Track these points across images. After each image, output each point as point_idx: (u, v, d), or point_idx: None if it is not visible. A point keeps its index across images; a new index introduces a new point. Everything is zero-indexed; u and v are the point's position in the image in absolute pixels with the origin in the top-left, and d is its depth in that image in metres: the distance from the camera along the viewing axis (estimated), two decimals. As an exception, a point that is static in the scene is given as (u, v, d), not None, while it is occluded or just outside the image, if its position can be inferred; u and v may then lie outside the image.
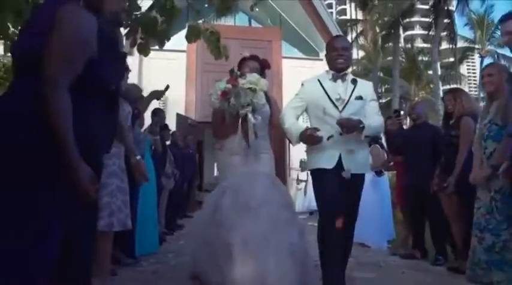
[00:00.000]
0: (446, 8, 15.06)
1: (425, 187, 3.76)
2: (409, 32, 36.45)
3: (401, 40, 43.20)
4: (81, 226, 1.56)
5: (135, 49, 3.99)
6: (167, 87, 3.29)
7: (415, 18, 31.16)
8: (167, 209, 5.54)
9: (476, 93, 26.59)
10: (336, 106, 2.50)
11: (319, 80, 2.62)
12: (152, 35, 3.87)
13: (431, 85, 21.30)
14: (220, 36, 4.11)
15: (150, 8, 3.83)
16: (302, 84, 2.69)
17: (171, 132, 6.24)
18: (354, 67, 26.54)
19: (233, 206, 2.36)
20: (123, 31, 3.76)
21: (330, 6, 57.28)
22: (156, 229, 4.21)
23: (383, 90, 23.97)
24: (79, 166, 1.22)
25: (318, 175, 2.54)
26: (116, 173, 2.57)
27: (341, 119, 2.42)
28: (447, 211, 3.60)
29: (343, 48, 2.60)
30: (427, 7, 17.85)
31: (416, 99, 19.93)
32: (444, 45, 22.59)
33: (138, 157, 2.53)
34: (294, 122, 2.54)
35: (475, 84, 40.43)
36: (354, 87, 2.56)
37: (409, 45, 25.97)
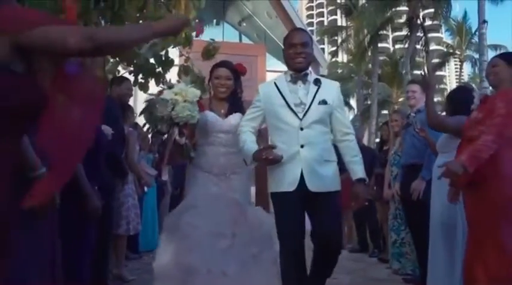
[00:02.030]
0: (419, 23, 16.16)
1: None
2: (394, 35, 37.61)
3: (390, 41, 44.29)
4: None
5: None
6: None
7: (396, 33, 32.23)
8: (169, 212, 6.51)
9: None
10: (296, 113, 2.11)
11: (275, 83, 2.23)
12: (150, 76, 4.87)
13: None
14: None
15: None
16: (258, 90, 2.30)
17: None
18: (340, 70, 27.84)
19: (198, 227, 2.27)
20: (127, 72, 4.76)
21: (321, 14, 58.60)
22: (156, 229, 5.22)
23: (369, 91, 25.16)
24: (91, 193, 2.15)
25: (277, 200, 2.16)
26: (130, 194, 3.61)
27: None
28: (380, 215, 4.72)
29: (302, 44, 2.17)
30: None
31: (396, 106, 21.08)
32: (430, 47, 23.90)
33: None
34: (247, 139, 2.17)
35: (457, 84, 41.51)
36: (317, 89, 2.17)
37: (392, 48, 27.21)
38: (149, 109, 2.39)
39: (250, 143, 2.16)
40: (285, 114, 2.14)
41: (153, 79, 4.63)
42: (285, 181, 2.10)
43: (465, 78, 29.70)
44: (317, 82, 2.20)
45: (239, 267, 2.24)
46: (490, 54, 24.15)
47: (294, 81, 2.20)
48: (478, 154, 2.08)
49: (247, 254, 2.31)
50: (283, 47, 2.25)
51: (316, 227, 2.15)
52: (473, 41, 23.94)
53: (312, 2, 63.55)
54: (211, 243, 2.26)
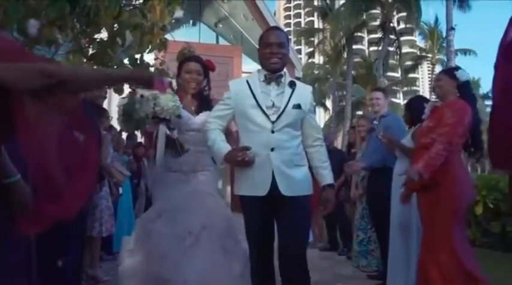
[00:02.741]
0: (393, 27, 16.65)
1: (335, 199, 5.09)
2: (370, 37, 38.43)
3: (366, 43, 45.13)
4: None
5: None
6: None
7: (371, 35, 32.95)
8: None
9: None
10: (267, 116, 2.02)
11: (247, 81, 2.11)
12: (126, 80, 4.92)
13: (385, 92, 23.11)
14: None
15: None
16: (229, 85, 2.19)
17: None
18: (316, 72, 28.28)
19: (168, 235, 2.20)
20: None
21: (299, 15, 59.20)
22: (131, 230, 5.27)
23: (344, 93, 25.69)
24: None
25: (247, 206, 2.09)
26: (104, 196, 3.66)
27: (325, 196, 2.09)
28: (350, 216, 4.92)
29: (278, 44, 2.08)
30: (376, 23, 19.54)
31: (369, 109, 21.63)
32: (403, 50, 24.57)
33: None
34: (217, 138, 2.07)
35: (429, 87, 42.67)
36: (292, 91, 2.08)
37: (368, 50, 27.84)
38: (127, 114, 2.18)
39: (220, 142, 2.06)
40: (256, 115, 2.04)
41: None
42: (257, 185, 2.00)
43: (437, 80, 30.66)
44: (292, 85, 2.10)
45: (207, 263, 2.17)
46: (460, 58, 25.02)
47: (267, 81, 2.10)
48: (432, 162, 2.34)
49: (217, 246, 2.24)
50: (258, 46, 2.17)
51: (282, 237, 2.01)
52: (444, 45, 24.76)
53: (290, 3, 64.11)
54: (177, 248, 2.19)
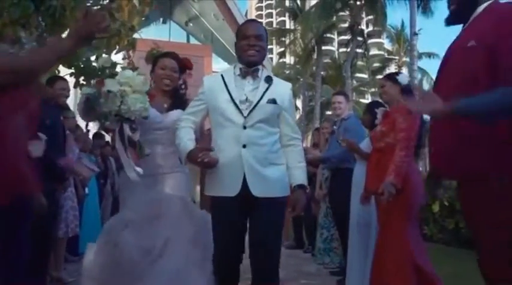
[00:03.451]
0: (360, 30, 17.09)
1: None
2: (340, 38, 39.19)
3: (336, 44, 45.93)
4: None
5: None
6: None
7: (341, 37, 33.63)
8: (112, 213, 6.44)
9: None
10: (240, 111, 1.93)
11: (222, 76, 2.04)
12: (92, 78, 4.86)
13: (354, 94, 23.72)
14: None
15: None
16: (203, 81, 2.10)
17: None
18: (287, 71, 28.58)
19: (134, 247, 2.09)
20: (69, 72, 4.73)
21: (270, 15, 59.55)
22: (98, 231, 5.22)
23: (314, 93, 26.11)
24: None
25: (216, 206, 1.98)
26: (69, 197, 3.64)
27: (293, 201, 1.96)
28: (315, 214, 5.07)
29: (256, 36, 1.99)
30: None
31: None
32: (372, 52, 25.26)
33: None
34: (184, 136, 1.99)
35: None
36: (268, 86, 1.99)
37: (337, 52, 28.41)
38: (89, 105, 2.03)
39: (187, 141, 1.96)
40: (229, 110, 1.95)
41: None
42: (226, 185, 1.90)
43: (404, 82, 31.68)
44: (268, 80, 2.01)
45: (171, 276, 2.04)
46: (424, 61, 25.87)
47: (243, 75, 2.00)
48: (400, 170, 2.48)
49: (181, 259, 2.09)
50: (232, 43, 2.12)
51: (251, 241, 1.89)
52: (409, 48, 25.64)
53: (262, 3, 64.33)
54: (141, 261, 2.08)
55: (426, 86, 28.94)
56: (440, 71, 1.62)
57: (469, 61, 1.42)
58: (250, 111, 1.92)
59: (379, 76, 36.21)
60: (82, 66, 4.56)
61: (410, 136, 2.53)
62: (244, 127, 1.92)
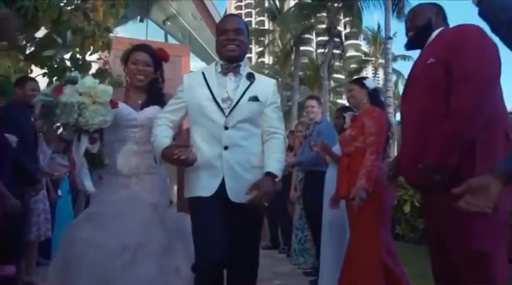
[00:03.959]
0: (338, 33, 17.35)
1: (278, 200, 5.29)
2: (318, 39, 39.61)
3: (314, 44, 46.35)
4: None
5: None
6: None
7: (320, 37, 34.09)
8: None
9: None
10: (222, 109, 1.84)
11: (203, 73, 1.94)
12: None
13: (331, 94, 24.06)
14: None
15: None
16: (182, 79, 2.00)
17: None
18: (266, 71, 28.69)
19: (92, 245, 1.94)
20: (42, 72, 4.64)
21: (250, 14, 59.57)
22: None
23: (291, 93, 26.34)
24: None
25: (194, 207, 1.87)
26: (41, 199, 3.58)
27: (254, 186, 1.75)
28: (290, 215, 5.14)
29: (235, 30, 1.89)
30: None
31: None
32: (349, 53, 25.67)
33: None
34: (160, 134, 1.88)
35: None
36: (250, 84, 1.90)
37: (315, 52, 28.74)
38: (45, 114, 1.92)
39: (162, 138, 1.84)
40: (209, 108, 1.84)
41: None
42: (203, 185, 1.82)
43: (380, 83, 32.35)
44: (250, 76, 1.91)
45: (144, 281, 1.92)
46: (400, 63, 26.49)
47: (224, 72, 1.91)
48: (370, 174, 2.54)
49: (155, 264, 1.97)
50: (210, 43, 2.10)
51: (231, 248, 1.76)
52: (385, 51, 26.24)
53: (241, 2, 64.31)
54: (109, 263, 1.91)
55: (401, 87, 29.75)
56: (407, 86, 1.87)
57: (429, 75, 1.67)
58: (231, 110, 1.83)
59: (356, 77, 36.94)
60: (55, 66, 4.48)
61: (380, 140, 2.61)
62: (226, 128, 1.83)
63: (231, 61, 1.90)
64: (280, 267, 4.45)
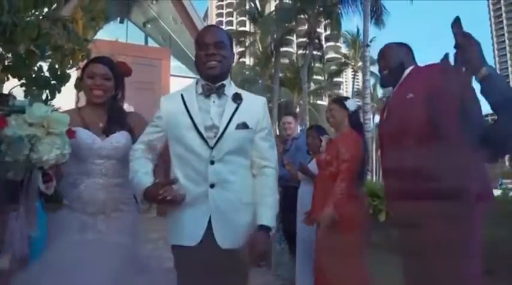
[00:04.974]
0: (317, 36, 17.63)
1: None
2: (299, 40, 39.93)
3: (295, 46, 46.73)
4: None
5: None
6: None
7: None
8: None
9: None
10: (206, 140, 1.58)
11: (182, 96, 1.67)
12: (44, 89, 4.73)
13: (311, 96, 24.42)
14: (114, 53, 4.86)
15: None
16: (160, 102, 1.72)
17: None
18: (247, 72, 28.80)
19: None
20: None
21: (231, 14, 59.52)
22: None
23: (270, 95, 26.57)
24: None
25: (177, 257, 1.65)
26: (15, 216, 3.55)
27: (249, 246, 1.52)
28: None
29: (216, 43, 1.63)
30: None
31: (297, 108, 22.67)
32: (329, 55, 26.08)
33: None
34: (139, 169, 1.64)
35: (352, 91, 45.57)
36: (237, 106, 1.64)
37: (296, 54, 29.05)
38: None
39: (142, 175, 1.60)
40: (191, 139, 1.58)
41: (47, 92, 4.54)
42: (187, 232, 1.58)
43: (360, 85, 32.95)
44: (236, 98, 1.65)
45: None
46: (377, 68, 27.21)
47: (206, 94, 1.64)
48: (339, 202, 2.54)
49: None
50: (190, 46, 1.79)
51: None
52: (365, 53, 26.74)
53: (222, 1, 64.21)
54: None
55: (379, 90, 30.34)
56: (387, 117, 1.97)
57: (410, 109, 1.78)
58: (218, 140, 1.58)
59: (337, 79, 37.43)
60: (33, 76, 4.43)
61: (351, 168, 2.58)
62: (212, 162, 1.58)
63: (213, 81, 1.64)
64: (261, 279, 4.52)
